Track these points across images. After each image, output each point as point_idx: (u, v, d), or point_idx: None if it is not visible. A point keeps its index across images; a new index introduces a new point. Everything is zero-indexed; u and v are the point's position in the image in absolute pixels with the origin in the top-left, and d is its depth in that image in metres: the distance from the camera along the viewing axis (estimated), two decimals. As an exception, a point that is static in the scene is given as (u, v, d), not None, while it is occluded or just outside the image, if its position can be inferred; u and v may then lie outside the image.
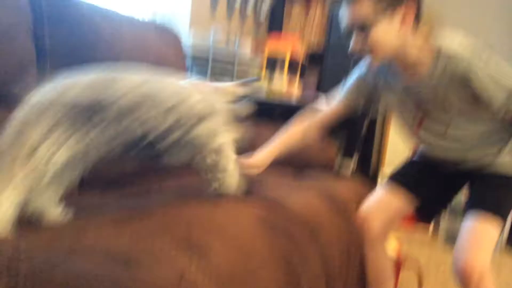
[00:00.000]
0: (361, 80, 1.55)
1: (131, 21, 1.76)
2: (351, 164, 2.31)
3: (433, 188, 1.58)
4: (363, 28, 1.30)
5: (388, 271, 1.63)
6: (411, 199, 1.55)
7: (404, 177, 1.60)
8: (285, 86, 2.84)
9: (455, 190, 1.61)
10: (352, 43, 1.35)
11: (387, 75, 1.48)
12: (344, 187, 1.68)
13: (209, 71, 2.34)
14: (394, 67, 1.44)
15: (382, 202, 1.57)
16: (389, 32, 1.31)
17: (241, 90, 1.30)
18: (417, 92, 1.40)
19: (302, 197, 1.33)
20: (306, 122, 1.59)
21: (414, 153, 1.66)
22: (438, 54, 1.31)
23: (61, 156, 0.88)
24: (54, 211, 0.94)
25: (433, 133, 1.45)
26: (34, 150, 0.85)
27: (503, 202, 1.37)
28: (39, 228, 0.85)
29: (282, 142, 1.57)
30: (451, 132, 1.42)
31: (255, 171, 1.50)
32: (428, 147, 1.53)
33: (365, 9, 1.29)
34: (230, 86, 1.29)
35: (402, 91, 1.44)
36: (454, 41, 1.31)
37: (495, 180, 1.42)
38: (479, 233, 1.31)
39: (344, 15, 1.34)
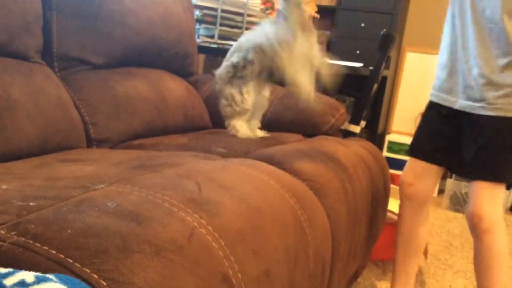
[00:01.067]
0: None
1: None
2: (359, 127, 2.29)
3: (449, 146, 1.55)
4: None
5: (423, 238, 1.67)
6: (439, 167, 1.58)
7: (425, 153, 1.58)
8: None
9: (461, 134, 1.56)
10: None
11: None
12: (351, 149, 1.66)
13: (218, 22, 2.28)
14: None
15: (419, 169, 1.58)
16: None
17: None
18: None
19: (309, 159, 1.32)
20: None
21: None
22: None
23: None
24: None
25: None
26: None
27: (505, 168, 1.37)
28: (46, 178, 0.85)
29: None
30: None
31: None
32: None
33: None
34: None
35: None
36: None
37: (493, 135, 1.37)
38: (485, 194, 1.38)
39: None
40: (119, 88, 1.54)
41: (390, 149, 3.45)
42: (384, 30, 2.34)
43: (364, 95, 2.40)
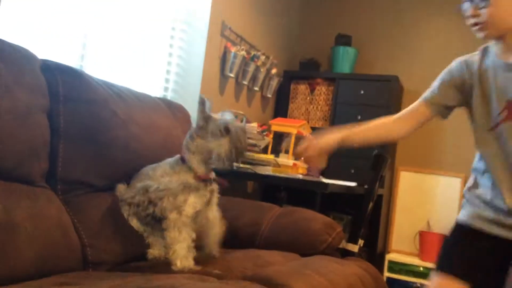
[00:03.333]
0: (454, 72, 1.41)
1: (143, 99, 1.83)
2: (357, 246, 2.28)
3: (489, 271, 1.37)
4: None
5: None
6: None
7: (455, 267, 1.36)
8: (291, 160, 2.88)
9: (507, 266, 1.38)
10: (467, 12, 1.28)
11: (484, 59, 1.37)
12: (349, 270, 1.65)
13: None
14: (497, 48, 1.34)
15: None
16: (511, 7, 1.25)
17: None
18: None
19: (306, 280, 1.32)
20: (387, 119, 1.51)
21: (455, 228, 1.44)
22: None
23: None
24: None
25: None
26: None
27: None
28: None
29: (360, 129, 1.49)
30: None
31: (316, 154, 1.45)
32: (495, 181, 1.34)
33: None
34: None
35: (500, 74, 1.32)
36: None
37: None
38: None
39: None
40: (118, 210, 1.57)
41: (391, 269, 3.38)
42: (376, 151, 2.44)
43: (360, 214, 2.42)
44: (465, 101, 1.40)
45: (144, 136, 1.71)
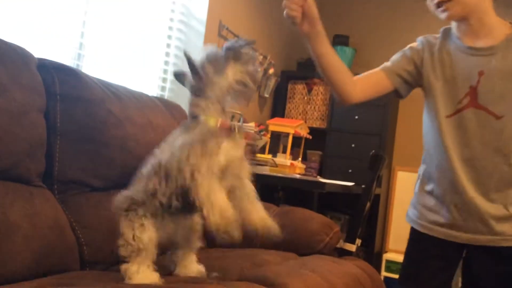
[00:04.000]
0: (414, 49, 1.38)
1: (140, 98, 1.82)
2: (355, 245, 2.28)
3: (442, 275, 1.39)
4: None
5: None
6: None
7: (416, 278, 1.43)
8: (288, 160, 2.88)
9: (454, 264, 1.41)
10: None
11: (445, 41, 1.34)
12: (346, 269, 1.65)
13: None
14: (459, 30, 1.30)
15: None
16: None
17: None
18: (480, 60, 1.25)
19: (303, 280, 1.32)
20: (351, 76, 1.39)
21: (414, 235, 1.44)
22: None
23: None
24: None
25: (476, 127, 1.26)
26: None
27: None
28: None
29: (331, 55, 1.35)
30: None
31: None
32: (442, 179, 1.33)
33: None
34: None
35: (462, 58, 1.28)
36: None
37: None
38: None
39: None
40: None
41: (388, 269, 3.38)
42: (373, 151, 2.44)
43: (358, 213, 2.43)
44: (422, 82, 1.34)
45: (141, 135, 1.71)
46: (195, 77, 1.19)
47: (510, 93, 1.23)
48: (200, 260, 1.42)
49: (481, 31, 1.26)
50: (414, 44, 1.39)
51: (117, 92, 1.70)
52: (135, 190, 1.21)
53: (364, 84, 1.38)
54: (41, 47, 1.88)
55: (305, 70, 3.69)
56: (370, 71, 1.40)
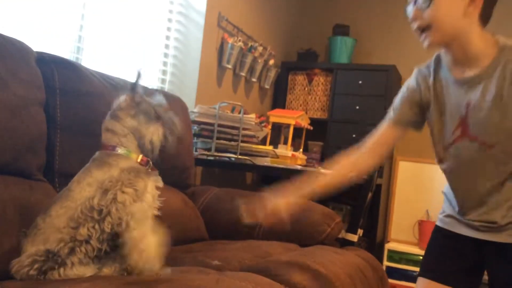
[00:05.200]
0: (411, 88, 1.35)
1: (139, 91, 1.81)
2: (356, 235, 2.29)
3: (465, 267, 1.39)
4: None
5: None
6: None
7: (435, 273, 1.41)
8: (289, 151, 2.87)
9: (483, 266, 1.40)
10: (411, 14, 1.19)
11: (438, 71, 1.30)
12: (348, 259, 1.66)
13: (214, 136, 2.38)
14: (447, 59, 1.27)
15: None
16: (454, 8, 1.15)
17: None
18: (467, 92, 1.23)
19: (304, 270, 1.32)
20: (354, 155, 1.38)
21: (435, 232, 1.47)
22: (502, 48, 1.17)
23: None
24: None
25: (467, 158, 1.27)
26: None
27: None
28: None
29: (325, 181, 1.34)
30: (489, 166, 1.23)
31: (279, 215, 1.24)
32: (455, 191, 1.35)
33: None
34: None
35: (452, 90, 1.26)
36: None
37: None
38: None
39: None
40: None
41: (390, 259, 3.39)
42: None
43: (360, 203, 2.43)
44: (427, 115, 1.34)
45: (141, 128, 1.70)
46: (132, 97, 1.17)
47: (497, 121, 1.20)
48: (200, 252, 1.43)
49: (465, 61, 1.22)
50: (410, 83, 1.36)
51: (116, 85, 1.69)
52: (50, 242, 1.06)
53: (376, 149, 1.38)
54: (40, 40, 1.87)
55: (305, 61, 3.68)
56: (376, 133, 1.38)
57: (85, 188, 1.10)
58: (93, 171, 1.13)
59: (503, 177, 1.24)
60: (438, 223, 1.44)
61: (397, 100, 1.37)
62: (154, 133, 1.18)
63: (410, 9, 1.19)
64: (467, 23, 1.16)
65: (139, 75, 1.18)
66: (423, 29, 1.18)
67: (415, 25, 1.19)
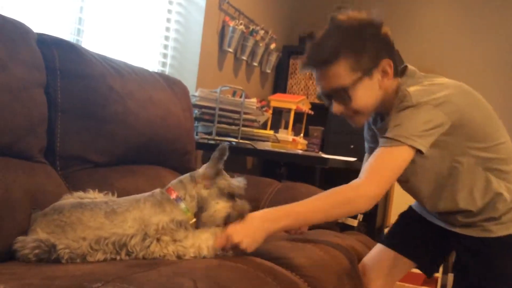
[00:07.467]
0: (369, 129, 1.49)
1: (141, 74, 1.81)
2: (356, 220, 2.30)
3: (428, 246, 1.52)
4: (343, 93, 1.23)
5: None
6: (409, 261, 1.54)
7: (399, 243, 1.55)
8: (290, 136, 2.87)
9: (448, 246, 1.53)
10: (333, 109, 1.28)
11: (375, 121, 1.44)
12: (348, 243, 1.66)
13: (215, 120, 2.38)
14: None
15: (382, 260, 1.54)
16: (372, 90, 1.25)
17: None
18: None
19: (306, 254, 1.32)
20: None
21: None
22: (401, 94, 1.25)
23: None
24: None
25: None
26: None
27: None
28: (45, 277, 0.85)
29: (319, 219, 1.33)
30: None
31: None
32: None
33: (343, 73, 1.21)
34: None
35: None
36: (414, 87, 1.24)
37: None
38: None
39: (319, 80, 1.27)
40: (117, 185, 1.57)
41: (389, 243, 3.42)
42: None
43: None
44: None
45: (142, 111, 1.70)
46: (213, 169, 1.20)
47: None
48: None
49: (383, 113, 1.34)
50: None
51: (117, 67, 1.68)
52: (62, 240, 1.07)
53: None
54: (40, 22, 1.85)
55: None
56: (364, 163, 1.48)
57: (128, 220, 1.11)
58: (146, 208, 1.14)
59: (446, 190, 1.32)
60: (413, 206, 1.60)
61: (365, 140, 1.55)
62: (220, 210, 1.19)
63: (328, 103, 1.30)
64: (385, 91, 1.27)
65: (223, 151, 1.19)
66: (350, 117, 1.30)
67: (340, 114, 1.30)
